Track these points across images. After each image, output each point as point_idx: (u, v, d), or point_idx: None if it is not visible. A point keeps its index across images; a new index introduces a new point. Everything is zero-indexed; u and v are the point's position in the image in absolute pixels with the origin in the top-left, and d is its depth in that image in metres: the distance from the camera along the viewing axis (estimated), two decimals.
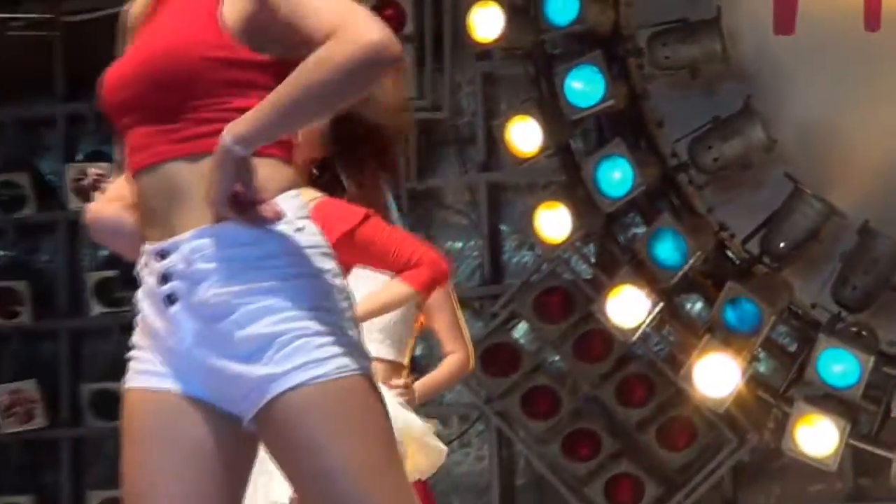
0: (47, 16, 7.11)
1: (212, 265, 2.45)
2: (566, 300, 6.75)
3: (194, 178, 2.40)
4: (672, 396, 6.46)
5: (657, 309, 6.30)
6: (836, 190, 6.19)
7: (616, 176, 6.32)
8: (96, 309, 7.28)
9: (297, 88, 2.39)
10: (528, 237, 6.84)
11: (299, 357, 2.41)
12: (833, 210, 6.11)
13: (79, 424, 7.38)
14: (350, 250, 3.63)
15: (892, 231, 6.07)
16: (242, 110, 2.41)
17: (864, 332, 6.10)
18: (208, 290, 2.44)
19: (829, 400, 6.04)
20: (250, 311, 2.43)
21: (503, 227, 7.33)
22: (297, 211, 2.51)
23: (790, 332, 6.59)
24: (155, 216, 2.51)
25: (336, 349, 2.44)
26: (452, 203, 7.40)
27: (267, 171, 2.45)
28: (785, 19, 6.42)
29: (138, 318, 2.54)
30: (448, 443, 6.13)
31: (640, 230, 6.65)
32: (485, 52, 6.82)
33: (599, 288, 6.45)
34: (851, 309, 6.15)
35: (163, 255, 2.47)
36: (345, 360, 2.43)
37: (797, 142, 6.32)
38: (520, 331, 6.94)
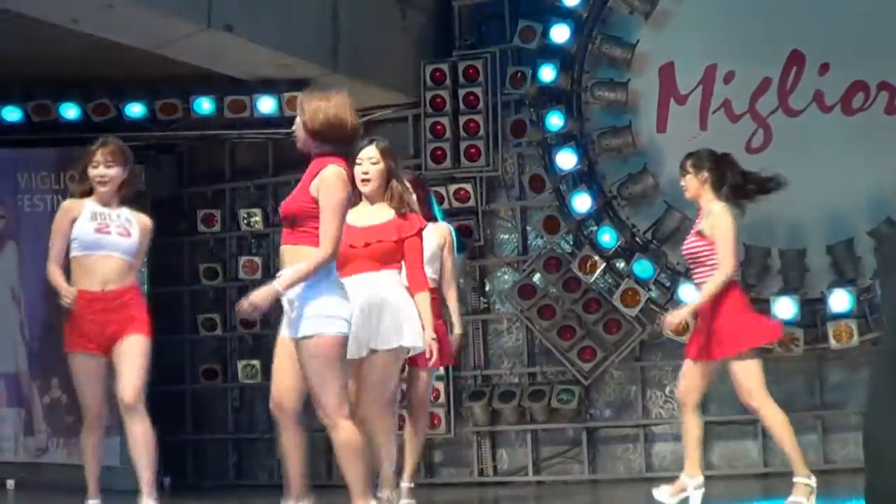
0: None
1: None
2: (558, 262, 8.37)
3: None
4: (610, 308, 8.23)
5: (602, 266, 8.14)
6: (687, 209, 7.53)
7: (583, 202, 8.17)
8: None
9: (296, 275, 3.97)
10: (541, 231, 8.49)
11: (301, 325, 4.01)
12: (686, 217, 7.76)
13: None
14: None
15: None
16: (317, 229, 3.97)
17: None
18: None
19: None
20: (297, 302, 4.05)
21: (528, 227, 8.88)
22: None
23: (667, 277, 8.17)
24: None
25: (316, 322, 3.95)
26: (503, 215, 8.91)
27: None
28: (661, 125, 8.38)
29: None
30: (502, 332, 8.46)
31: (594, 228, 8.25)
32: (518, 143, 8.68)
33: (574, 257, 8.23)
34: None
35: None
36: (317, 327, 3.96)
37: (669, 184, 7.96)
38: (537, 277, 8.48)
